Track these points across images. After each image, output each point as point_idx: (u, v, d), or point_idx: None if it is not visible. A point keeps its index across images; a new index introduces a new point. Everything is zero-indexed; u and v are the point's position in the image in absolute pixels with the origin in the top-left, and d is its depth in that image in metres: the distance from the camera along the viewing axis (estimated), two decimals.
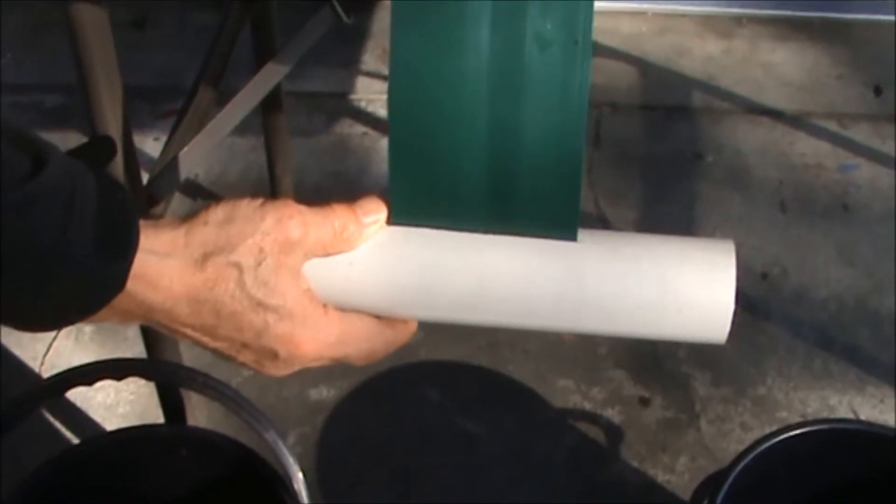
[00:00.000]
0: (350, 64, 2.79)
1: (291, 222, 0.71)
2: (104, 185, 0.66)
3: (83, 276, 0.64)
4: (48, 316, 0.66)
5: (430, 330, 0.72)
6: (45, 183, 0.61)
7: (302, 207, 0.73)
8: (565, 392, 2.06)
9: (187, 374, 1.43)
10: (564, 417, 2.02)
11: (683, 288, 0.73)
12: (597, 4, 0.72)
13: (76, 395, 1.45)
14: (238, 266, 0.69)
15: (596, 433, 2.00)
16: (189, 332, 0.71)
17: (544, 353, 2.11)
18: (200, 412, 1.75)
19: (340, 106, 2.68)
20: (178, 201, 1.56)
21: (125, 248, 0.65)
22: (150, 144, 2.52)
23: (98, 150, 0.73)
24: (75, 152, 0.69)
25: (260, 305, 0.70)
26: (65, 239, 0.62)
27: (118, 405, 2.02)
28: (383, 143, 2.54)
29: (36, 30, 2.86)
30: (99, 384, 1.45)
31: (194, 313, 0.69)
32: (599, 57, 2.80)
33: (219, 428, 1.63)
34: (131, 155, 1.34)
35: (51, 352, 2.10)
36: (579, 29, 0.71)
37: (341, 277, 0.74)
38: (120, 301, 0.67)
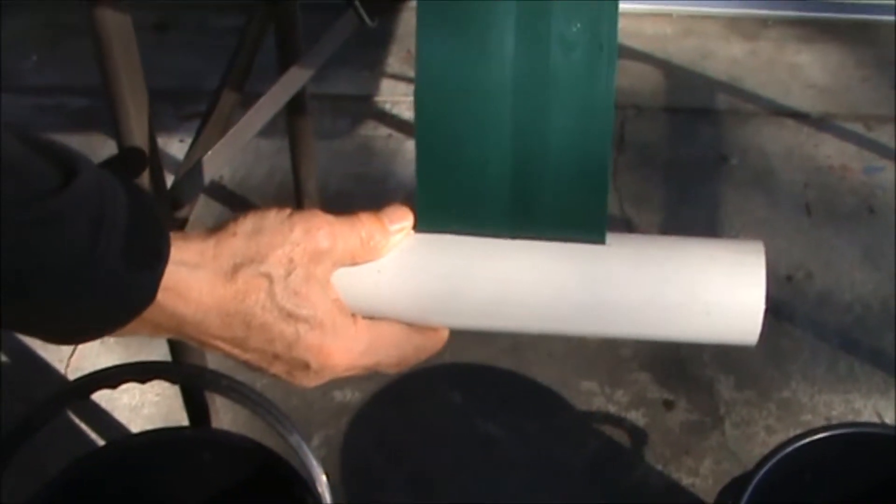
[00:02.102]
0: (374, 66, 2.79)
1: (320, 233, 0.71)
2: (134, 196, 0.66)
3: (113, 289, 0.64)
4: (79, 328, 0.66)
5: (454, 332, 0.72)
6: (76, 195, 0.61)
7: (330, 217, 0.73)
8: (589, 395, 2.06)
9: (212, 377, 1.44)
10: (588, 420, 2.02)
11: (713, 290, 0.73)
12: (621, 6, 0.72)
13: (101, 396, 1.46)
14: (268, 277, 0.69)
15: (620, 436, 2.00)
16: (219, 344, 0.71)
17: (568, 356, 2.11)
18: (225, 414, 1.75)
19: (365, 108, 2.69)
20: (202, 204, 1.57)
21: (156, 260, 0.66)
22: (175, 146, 2.53)
23: (127, 162, 0.73)
24: (105, 164, 0.69)
25: (290, 316, 0.70)
26: (95, 251, 0.62)
27: (143, 406, 2.02)
28: (408, 145, 2.55)
29: (60, 32, 2.87)
30: (124, 386, 1.46)
31: (224, 325, 0.69)
32: (623, 59, 2.79)
33: (243, 430, 1.63)
34: (155, 159, 1.34)
35: (76, 354, 2.11)
36: (604, 33, 0.71)
37: (370, 286, 0.75)
38: (150, 313, 0.67)
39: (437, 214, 0.75)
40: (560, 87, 0.71)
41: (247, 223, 0.71)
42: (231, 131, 1.47)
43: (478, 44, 0.72)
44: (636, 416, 2.02)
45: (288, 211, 0.72)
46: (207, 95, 1.77)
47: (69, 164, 0.62)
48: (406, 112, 2.65)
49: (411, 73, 2.69)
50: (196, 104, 2.54)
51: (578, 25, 0.71)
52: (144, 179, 1.33)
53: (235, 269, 0.69)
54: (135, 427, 1.99)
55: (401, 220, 0.75)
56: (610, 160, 0.72)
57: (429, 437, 2.00)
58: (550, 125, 0.72)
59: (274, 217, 0.71)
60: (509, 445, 1.98)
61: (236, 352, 0.72)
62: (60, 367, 2.09)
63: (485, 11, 0.71)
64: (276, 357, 0.72)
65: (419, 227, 0.76)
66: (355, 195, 2.42)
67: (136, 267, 0.64)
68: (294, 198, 2.26)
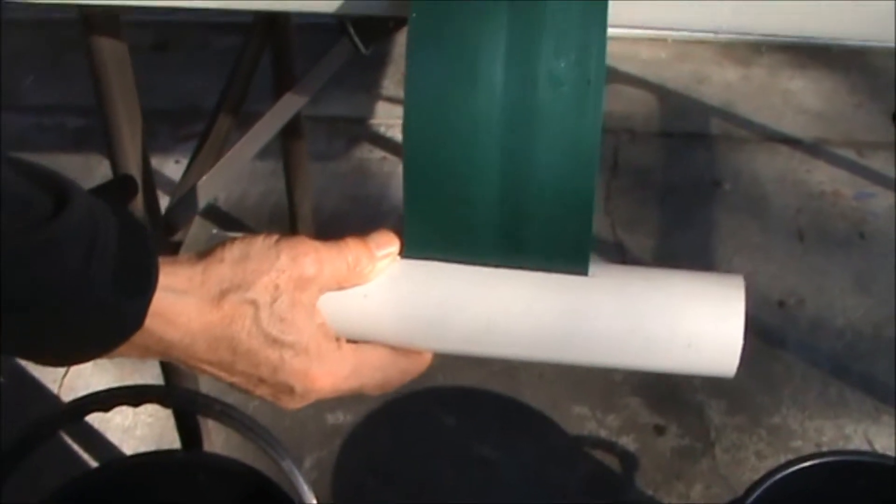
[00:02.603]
0: (369, 88, 2.81)
1: (306, 259, 0.72)
2: (125, 223, 0.67)
3: (103, 315, 0.65)
4: (68, 353, 0.67)
5: (446, 355, 0.74)
6: (68, 223, 0.62)
7: (316, 244, 0.74)
8: (581, 419, 2.06)
9: (204, 402, 1.44)
10: (579, 444, 2.03)
11: (693, 323, 0.74)
12: (616, 30, 0.73)
13: (94, 416, 1.46)
14: (254, 303, 0.70)
15: (611, 461, 2.00)
16: (206, 367, 0.72)
17: (560, 379, 2.11)
18: (217, 436, 1.76)
19: (360, 130, 2.70)
20: (197, 224, 1.58)
21: (145, 287, 0.67)
22: (171, 167, 2.54)
23: (120, 188, 0.75)
24: (97, 191, 0.70)
25: (276, 342, 0.71)
26: (86, 278, 0.63)
27: (135, 427, 2.03)
28: (402, 167, 2.55)
29: (58, 51, 2.88)
30: (117, 407, 1.47)
31: (211, 349, 0.71)
32: (618, 83, 2.81)
33: (235, 452, 1.64)
34: (150, 183, 1.35)
35: (69, 374, 2.11)
36: (591, 68, 0.72)
37: (356, 311, 0.76)
38: (139, 338, 0.68)
39: (423, 241, 0.76)
40: (547, 121, 0.72)
41: (234, 250, 0.72)
42: (226, 157, 1.48)
43: (467, 76, 0.73)
44: (627, 441, 2.03)
45: (275, 237, 0.73)
46: (205, 115, 1.78)
47: (61, 192, 0.63)
48: (400, 134, 2.65)
49: None
50: (193, 124, 2.55)
51: (567, 60, 0.72)
52: (138, 204, 1.34)
53: (222, 294, 0.70)
54: (127, 448, 1.99)
55: (387, 246, 0.76)
56: (595, 193, 0.73)
57: (422, 460, 2.00)
58: (537, 157, 0.73)
59: (261, 244, 0.72)
60: (502, 468, 1.99)
61: (223, 375, 0.73)
62: (54, 386, 2.10)
63: (475, 44, 0.73)
64: (261, 381, 0.73)
65: (406, 253, 0.77)
66: (350, 217, 2.43)
67: (125, 294, 0.65)
68: (288, 219, 2.27)
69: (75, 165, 2.50)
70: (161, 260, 0.69)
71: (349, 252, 0.74)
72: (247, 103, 1.81)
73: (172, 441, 1.79)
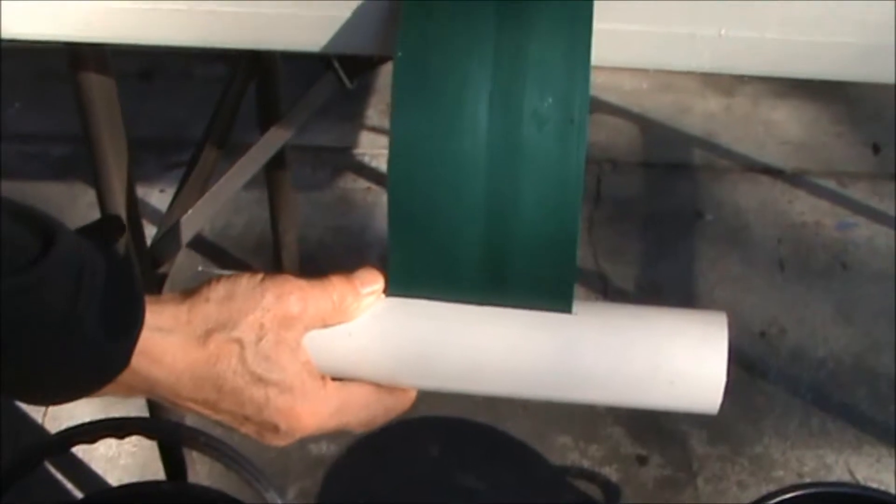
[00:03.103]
0: (353, 118, 2.81)
1: (291, 298, 0.73)
2: (111, 263, 0.67)
3: (89, 356, 0.65)
4: (54, 392, 0.68)
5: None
6: (54, 264, 0.63)
7: (301, 282, 0.74)
8: (564, 449, 2.07)
9: (189, 434, 1.45)
10: (563, 474, 2.03)
11: (676, 361, 0.75)
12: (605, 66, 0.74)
13: (78, 446, 1.46)
14: (239, 342, 0.71)
15: (594, 491, 2.01)
16: (191, 405, 0.72)
17: (543, 410, 2.12)
18: (202, 467, 1.76)
19: (344, 160, 2.70)
20: (182, 254, 1.58)
21: (131, 327, 0.67)
22: (156, 196, 2.54)
23: (106, 228, 0.75)
24: (84, 230, 0.71)
25: (261, 381, 0.71)
26: (72, 319, 0.63)
27: (119, 457, 2.03)
28: (387, 197, 2.55)
29: (43, 79, 2.88)
30: None
31: (196, 388, 0.71)
32: (600, 113, 2.82)
33: (219, 482, 1.64)
34: (136, 217, 1.36)
35: None
36: (575, 108, 0.73)
37: (340, 348, 0.76)
38: (124, 376, 0.68)
39: (408, 279, 0.77)
40: (531, 160, 0.73)
41: (219, 289, 0.72)
42: (211, 190, 1.49)
43: (452, 115, 0.73)
44: (610, 471, 2.03)
45: (260, 276, 0.73)
46: (190, 144, 1.78)
47: (47, 233, 0.64)
48: (385, 164, 2.64)
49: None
50: (179, 153, 2.55)
51: (550, 100, 0.73)
52: (124, 239, 1.35)
53: (208, 334, 0.70)
54: (111, 478, 1.99)
55: (372, 284, 0.76)
56: (579, 232, 0.74)
57: (406, 490, 2.00)
58: (521, 196, 0.73)
59: (246, 283, 0.73)
60: (486, 498, 1.99)
61: (208, 412, 0.73)
62: (38, 416, 2.09)
63: (460, 84, 0.73)
64: (246, 419, 0.73)
65: (390, 290, 0.77)
66: (334, 247, 2.43)
67: (111, 334, 0.66)
68: (273, 249, 2.27)
69: (59, 194, 2.50)
70: (147, 298, 0.69)
71: (334, 290, 0.75)
72: (232, 133, 1.82)
73: (156, 471, 1.79)
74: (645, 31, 0.81)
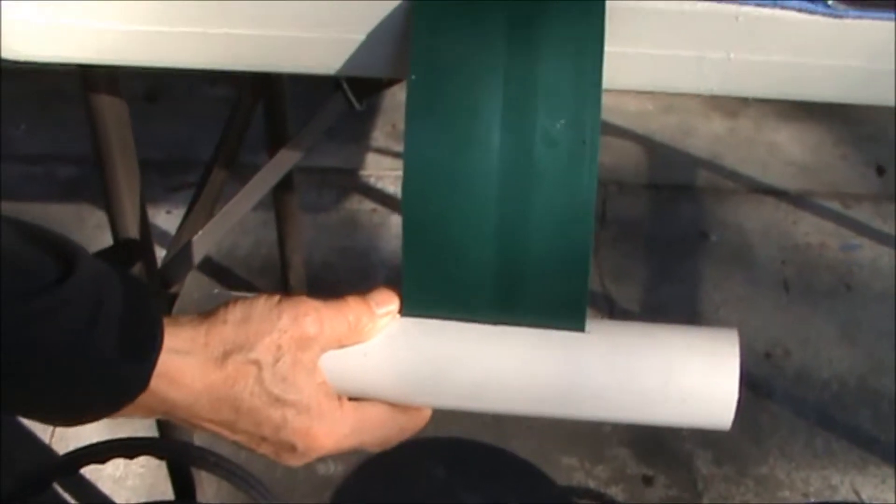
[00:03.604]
0: (360, 140, 2.82)
1: (307, 319, 0.73)
2: (129, 285, 0.68)
3: (108, 378, 0.66)
4: (73, 413, 0.68)
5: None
6: (74, 288, 0.63)
7: (317, 303, 0.75)
8: (569, 469, 2.07)
9: (198, 454, 1.45)
10: (569, 495, 2.03)
11: (688, 378, 0.76)
12: (614, 88, 0.75)
13: (85, 468, 1.47)
14: (257, 364, 0.71)
15: None
16: (209, 426, 0.73)
17: (549, 430, 2.12)
18: (209, 486, 1.76)
19: (350, 182, 2.70)
20: (189, 275, 1.59)
21: (149, 350, 0.68)
22: (163, 217, 2.54)
23: (123, 251, 0.76)
24: (102, 254, 0.72)
25: (278, 401, 0.72)
26: (91, 342, 0.64)
27: (127, 478, 2.03)
28: (392, 219, 2.57)
29: (49, 99, 2.88)
30: None
31: (214, 409, 0.71)
32: (606, 135, 2.81)
33: (227, 503, 1.64)
34: (146, 236, 1.37)
35: None
36: (587, 129, 0.74)
37: (356, 369, 0.77)
38: (143, 398, 0.69)
39: (422, 299, 0.77)
40: (543, 181, 0.74)
41: (236, 311, 0.73)
42: (220, 213, 1.50)
43: (465, 137, 0.74)
44: (616, 492, 2.04)
45: (276, 298, 0.74)
46: (196, 165, 1.78)
47: (67, 256, 0.65)
48: (390, 186, 2.67)
49: (396, 147, 2.71)
50: (185, 174, 2.56)
51: (562, 122, 0.74)
52: (134, 260, 1.35)
53: (225, 355, 0.71)
54: (119, 499, 1.99)
55: (387, 304, 0.77)
56: (591, 251, 0.75)
57: None
58: (534, 216, 0.74)
59: (263, 304, 0.73)
60: None
61: (225, 433, 0.74)
62: (45, 436, 2.10)
63: (472, 106, 0.74)
64: (263, 439, 0.74)
65: (405, 310, 0.78)
66: (340, 269, 2.44)
67: (130, 357, 0.66)
68: (279, 270, 2.27)
69: (66, 215, 2.50)
70: (165, 320, 0.70)
71: (350, 311, 0.75)
72: (240, 155, 1.83)
73: (164, 492, 1.79)
74: (655, 54, 0.81)
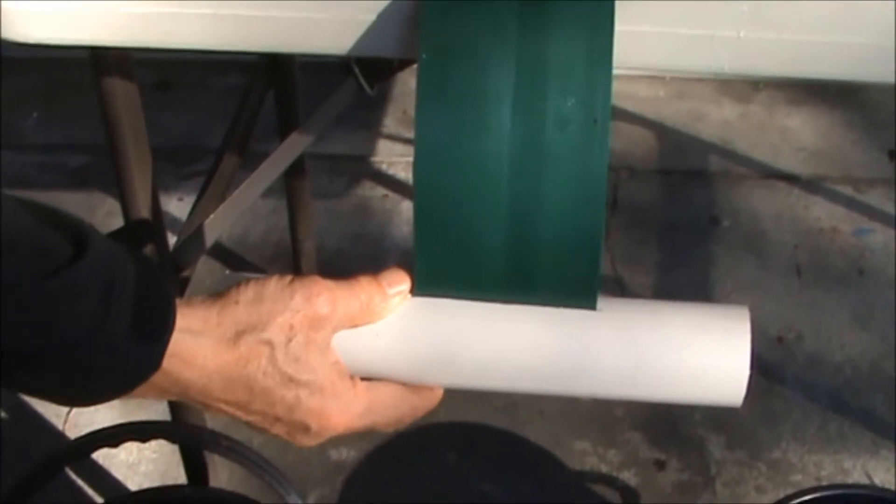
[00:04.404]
0: (371, 127, 2.82)
1: (320, 299, 0.73)
2: (142, 266, 0.68)
3: (121, 359, 0.66)
4: (86, 394, 0.68)
5: (448, 391, 0.76)
6: (87, 268, 0.63)
7: (329, 283, 0.75)
8: (582, 454, 2.07)
9: (211, 438, 1.45)
10: (581, 480, 2.03)
11: (700, 355, 0.76)
12: (615, 69, 0.74)
13: (99, 452, 1.47)
14: (270, 343, 0.71)
15: (612, 496, 2.01)
16: (223, 406, 0.73)
17: (561, 415, 2.12)
18: (223, 471, 1.77)
19: (361, 168, 2.71)
20: (201, 261, 1.59)
21: (162, 330, 0.68)
22: (174, 205, 2.54)
23: (135, 232, 0.76)
24: (114, 235, 0.72)
25: (291, 381, 0.72)
26: (104, 322, 0.64)
27: (140, 463, 2.04)
28: (404, 205, 2.57)
29: (61, 89, 2.89)
30: None
31: (227, 389, 0.72)
32: (617, 121, 2.82)
33: (240, 487, 1.65)
34: (159, 223, 1.37)
35: (74, 409, 2.12)
36: (598, 108, 0.74)
37: (368, 348, 0.77)
38: (156, 379, 0.69)
39: (434, 279, 0.77)
40: (555, 160, 0.74)
41: (248, 291, 0.73)
42: (232, 197, 1.50)
43: (476, 118, 0.74)
44: (628, 476, 2.04)
45: (289, 278, 0.74)
46: (207, 154, 1.78)
47: (80, 237, 0.65)
48: (402, 172, 2.67)
49: (407, 134, 2.71)
50: (196, 163, 2.56)
51: (573, 100, 0.74)
52: (147, 241, 1.36)
53: (238, 335, 0.71)
54: (132, 484, 2.00)
55: (399, 284, 0.77)
56: (603, 231, 0.75)
57: (424, 496, 2.01)
58: (545, 196, 0.74)
59: (275, 285, 0.73)
60: None
61: (239, 413, 0.74)
62: (58, 422, 2.10)
63: (483, 87, 0.74)
64: (277, 419, 0.74)
65: (416, 290, 0.78)
66: (351, 255, 2.44)
67: (143, 338, 0.67)
68: (291, 257, 2.28)
69: (78, 204, 2.51)
70: (177, 301, 0.70)
71: (362, 291, 0.75)
72: (251, 142, 1.83)
73: (177, 477, 1.80)
74: (665, 32, 0.81)
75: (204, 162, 1.77)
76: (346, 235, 2.51)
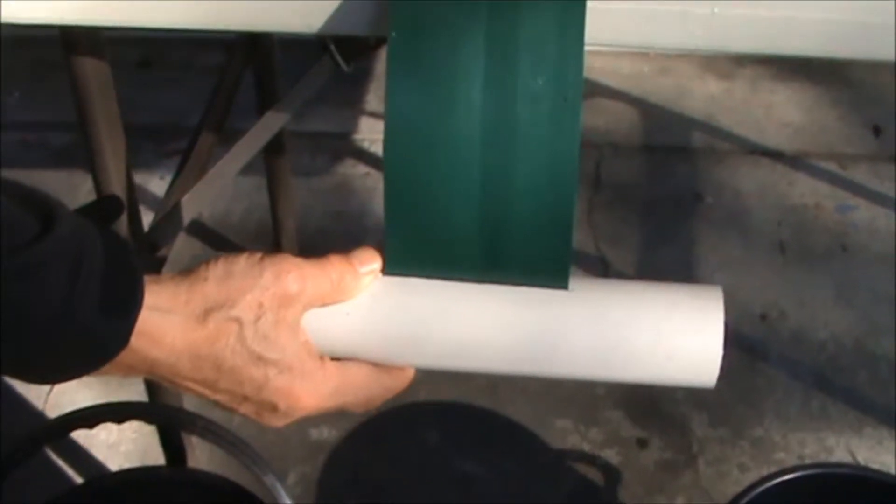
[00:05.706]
0: (352, 104, 2.81)
1: (289, 277, 0.73)
2: (110, 243, 0.67)
3: (88, 335, 0.65)
4: (53, 371, 0.68)
5: (430, 371, 0.75)
6: (54, 244, 0.63)
7: (299, 261, 0.74)
8: (564, 433, 2.07)
9: (188, 418, 1.45)
10: (563, 459, 2.03)
11: (673, 335, 0.75)
12: (599, 45, 0.74)
13: (78, 432, 1.46)
14: (238, 321, 0.70)
15: (594, 474, 2.01)
16: (190, 385, 0.72)
17: (543, 394, 2.12)
18: (202, 452, 1.76)
19: (343, 146, 2.70)
20: (181, 241, 1.58)
21: (130, 308, 0.67)
22: (156, 183, 2.54)
23: (105, 208, 0.75)
24: (83, 210, 0.71)
25: (260, 359, 0.71)
26: (71, 299, 0.63)
27: (120, 444, 2.03)
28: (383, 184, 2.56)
29: (44, 68, 2.88)
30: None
31: (196, 368, 0.71)
32: (600, 97, 2.82)
33: (219, 467, 1.64)
34: (133, 202, 1.36)
35: (54, 390, 2.11)
36: (569, 86, 0.73)
37: (338, 328, 0.76)
38: (123, 356, 0.68)
39: (405, 258, 0.77)
40: (526, 138, 0.73)
41: (218, 268, 0.72)
42: (209, 174, 1.49)
43: (447, 95, 0.73)
44: (610, 455, 2.04)
45: (259, 255, 0.73)
46: (189, 132, 1.78)
47: (47, 213, 0.64)
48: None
49: None
50: (178, 141, 2.54)
51: (544, 78, 0.73)
52: (122, 223, 1.35)
53: (206, 313, 0.70)
54: (112, 464, 1.99)
55: (370, 263, 0.76)
56: (575, 209, 0.74)
57: (405, 476, 2.01)
58: (517, 174, 0.74)
59: (244, 262, 0.72)
60: (485, 484, 1.99)
61: (206, 392, 0.73)
62: (38, 403, 2.10)
63: (454, 64, 0.73)
64: (245, 398, 0.73)
65: (387, 269, 0.77)
66: (333, 233, 2.44)
67: (110, 315, 0.66)
68: (272, 235, 2.27)
69: (60, 183, 2.50)
70: (146, 278, 0.69)
71: (332, 269, 0.75)
72: (230, 120, 1.82)
73: (157, 457, 1.79)
74: (637, 8, 0.80)
75: (186, 140, 1.76)
76: (327, 213, 2.50)
